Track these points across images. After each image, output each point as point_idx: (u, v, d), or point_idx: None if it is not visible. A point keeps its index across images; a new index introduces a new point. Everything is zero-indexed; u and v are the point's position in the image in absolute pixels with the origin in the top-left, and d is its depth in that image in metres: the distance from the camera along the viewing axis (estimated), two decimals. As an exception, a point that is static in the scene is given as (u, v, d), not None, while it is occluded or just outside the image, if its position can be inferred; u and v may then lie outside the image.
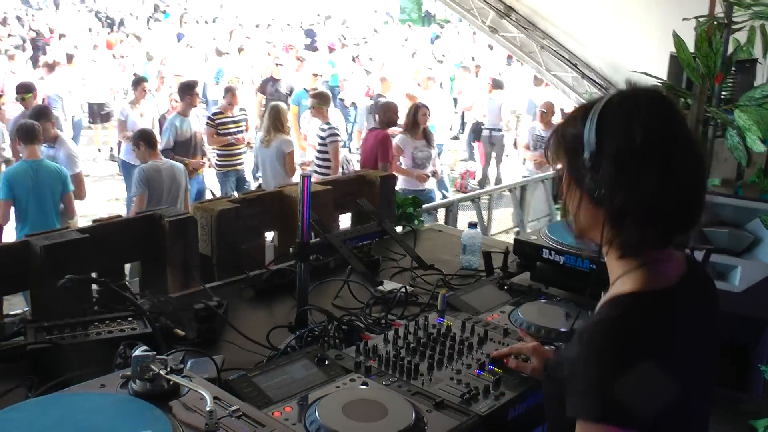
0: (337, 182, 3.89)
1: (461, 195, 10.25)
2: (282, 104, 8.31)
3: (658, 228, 1.49)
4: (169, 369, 1.63)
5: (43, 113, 7.03)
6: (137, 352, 1.64)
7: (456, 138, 14.95)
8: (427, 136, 8.51)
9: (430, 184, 8.90)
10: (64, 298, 2.28)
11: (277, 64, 11.83)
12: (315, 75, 11.73)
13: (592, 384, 1.42)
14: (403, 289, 2.85)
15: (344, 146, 9.33)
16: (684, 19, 5.07)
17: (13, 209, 5.86)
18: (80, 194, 6.92)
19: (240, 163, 8.96)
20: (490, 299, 2.80)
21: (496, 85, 12.33)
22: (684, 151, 1.49)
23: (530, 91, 12.83)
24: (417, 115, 8.45)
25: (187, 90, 8.52)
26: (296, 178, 7.90)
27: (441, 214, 7.89)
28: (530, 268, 3.10)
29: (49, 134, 6.86)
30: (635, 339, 1.43)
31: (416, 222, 4.18)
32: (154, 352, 1.65)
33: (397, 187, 8.75)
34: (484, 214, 8.49)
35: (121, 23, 22.68)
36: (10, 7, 23.61)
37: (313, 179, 2.68)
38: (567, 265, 2.90)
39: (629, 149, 1.45)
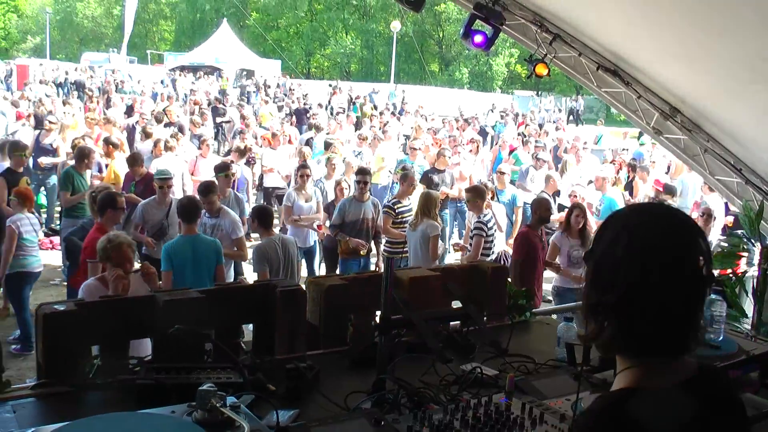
0: (449, 270, 4.17)
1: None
2: (434, 192, 8.70)
3: (632, 334, 1.61)
4: (223, 404, 1.98)
5: (210, 189, 7.88)
6: (204, 387, 2.01)
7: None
8: (583, 237, 8.57)
9: (587, 283, 8.85)
10: (176, 346, 2.71)
11: (442, 156, 12.24)
12: (501, 173, 11.86)
13: None
14: (478, 370, 3.05)
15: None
16: None
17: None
18: (242, 255, 7.96)
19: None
20: (560, 387, 2.94)
21: (668, 190, 12.04)
22: (668, 272, 1.57)
23: (701, 196, 12.42)
24: (571, 215, 8.59)
25: (358, 176, 9.10)
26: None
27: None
28: (613, 364, 3.19)
29: (215, 207, 7.70)
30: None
31: (527, 314, 4.35)
32: (216, 389, 2.00)
33: (552, 285, 8.94)
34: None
35: (303, 113, 24.33)
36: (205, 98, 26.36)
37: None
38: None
39: (609, 257, 1.63)
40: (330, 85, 36.69)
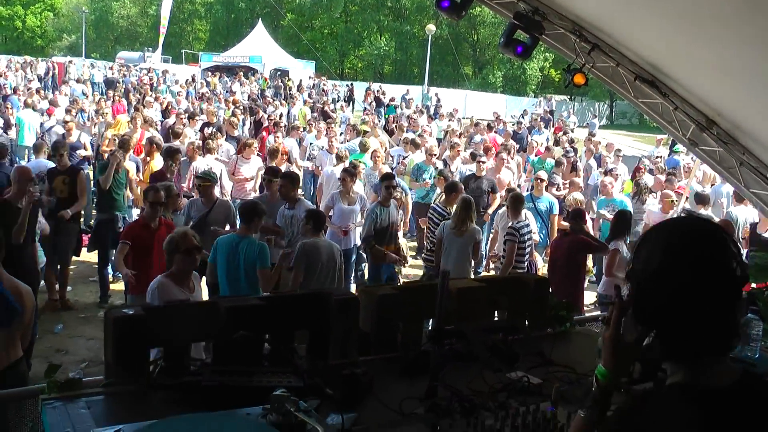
0: (493, 281, 4.30)
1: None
2: (470, 198, 8.71)
3: (674, 339, 1.72)
4: (297, 408, 2.12)
5: (294, 178, 8.67)
6: (277, 392, 2.15)
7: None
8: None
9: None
10: (238, 350, 2.87)
11: (480, 162, 12.25)
12: (539, 180, 11.73)
13: None
14: (525, 378, 3.18)
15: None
16: None
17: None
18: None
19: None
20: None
21: (700, 200, 11.92)
22: (702, 278, 1.68)
23: (732, 208, 12.31)
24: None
25: (386, 180, 9.19)
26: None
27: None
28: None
29: (293, 197, 8.27)
30: (639, 424, 1.69)
31: (567, 325, 4.45)
32: (289, 394, 2.15)
33: (598, 292, 8.94)
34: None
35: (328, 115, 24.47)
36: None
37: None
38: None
39: (648, 272, 1.75)
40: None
